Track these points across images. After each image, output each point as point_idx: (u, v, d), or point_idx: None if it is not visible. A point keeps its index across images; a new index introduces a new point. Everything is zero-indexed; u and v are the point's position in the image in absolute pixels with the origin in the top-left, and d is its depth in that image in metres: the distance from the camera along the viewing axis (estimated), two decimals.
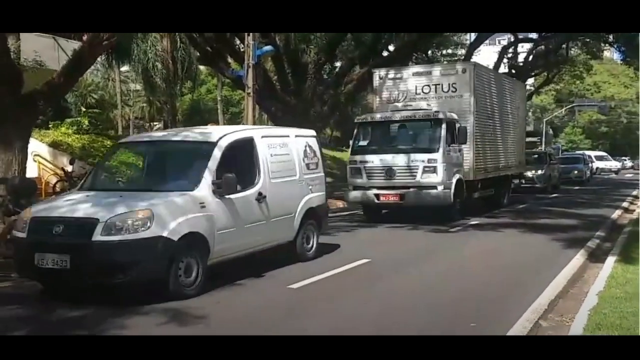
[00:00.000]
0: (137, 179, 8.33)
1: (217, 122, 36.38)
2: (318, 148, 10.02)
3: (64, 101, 24.42)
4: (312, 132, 10.27)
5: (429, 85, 15.45)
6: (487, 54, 37.82)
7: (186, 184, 7.61)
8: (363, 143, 14.72)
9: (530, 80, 42.79)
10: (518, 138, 19.91)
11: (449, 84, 15.28)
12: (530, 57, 37.53)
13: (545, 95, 59.55)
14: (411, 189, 13.83)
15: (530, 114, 52.15)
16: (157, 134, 8.85)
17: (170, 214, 7.10)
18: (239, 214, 7.97)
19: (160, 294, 6.94)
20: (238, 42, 21.29)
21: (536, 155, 25.77)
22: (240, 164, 8.26)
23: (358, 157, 14.44)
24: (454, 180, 14.15)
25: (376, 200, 14.20)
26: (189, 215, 7.26)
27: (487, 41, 34.65)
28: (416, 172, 13.76)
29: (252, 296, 7.39)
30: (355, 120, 15.37)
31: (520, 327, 5.80)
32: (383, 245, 11.34)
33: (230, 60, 22.26)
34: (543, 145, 42.32)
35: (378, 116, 15.23)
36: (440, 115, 14.31)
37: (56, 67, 13.54)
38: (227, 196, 7.76)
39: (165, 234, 6.90)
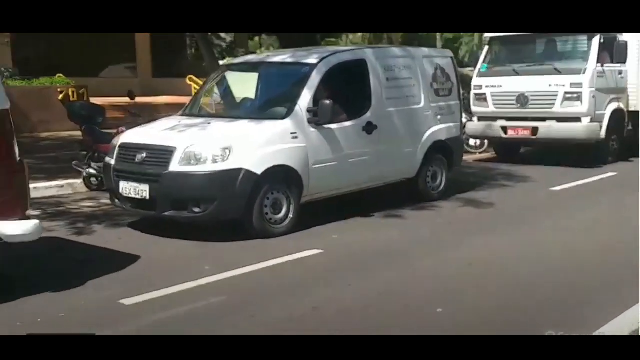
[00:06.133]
0: (230, 104, 7.15)
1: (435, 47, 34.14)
2: (454, 71, 7.84)
3: None
4: (447, 52, 8.10)
5: None
6: None
7: (277, 112, 6.21)
8: (493, 64, 10.80)
9: None
10: None
11: None
12: None
13: None
14: (547, 121, 9.95)
15: None
16: (259, 56, 7.52)
17: (254, 144, 5.82)
18: (341, 147, 6.40)
19: (244, 232, 5.88)
20: None
21: None
22: (347, 89, 6.62)
23: (484, 81, 10.53)
24: (607, 112, 10.04)
25: (503, 134, 10.39)
26: (276, 147, 5.91)
27: None
28: (554, 100, 9.82)
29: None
30: (485, 35, 11.49)
31: None
32: None
33: None
34: None
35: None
36: None
37: None
38: (325, 126, 6.27)
39: (246, 166, 5.67)
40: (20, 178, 4.38)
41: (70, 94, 13.72)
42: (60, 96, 13.56)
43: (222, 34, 22.82)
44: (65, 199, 7.81)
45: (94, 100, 12.68)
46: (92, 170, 8.09)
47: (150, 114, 9.24)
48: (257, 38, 26.30)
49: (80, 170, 8.16)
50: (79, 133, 10.86)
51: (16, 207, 4.32)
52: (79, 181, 8.31)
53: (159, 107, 14.50)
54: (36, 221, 4.41)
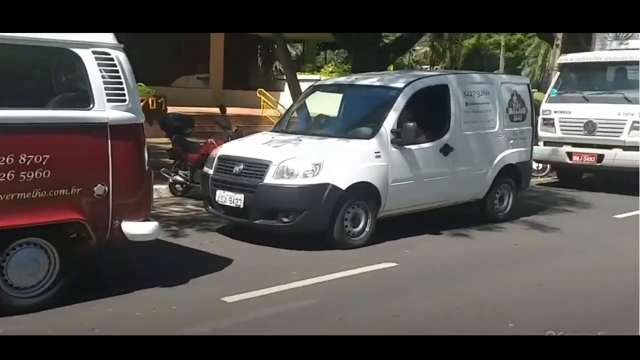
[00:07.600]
0: (317, 123, 7.70)
1: (497, 67, 34.62)
2: (529, 97, 8.24)
3: None
4: (523, 79, 8.51)
5: None
6: None
7: (364, 132, 6.72)
8: (563, 90, 11.04)
9: None
10: None
11: None
12: None
13: None
14: (613, 149, 10.13)
15: None
16: (348, 78, 8.06)
17: (341, 162, 6.35)
18: (418, 167, 6.85)
19: (324, 242, 6.39)
20: None
21: None
22: (428, 112, 7.05)
23: (553, 106, 10.82)
24: None
25: (568, 160, 10.66)
26: (361, 164, 6.42)
27: None
28: (622, 128, 10.03)
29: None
30: (558, 61, 11.85)
31: None
32: None
33: None
34: None
35: (586, 57, 11.27)
36: None
37: None
38: (406, 146, 6.73)
39: (333, 181, 6.19)
40: (147, 184, 4.99)
41: (150, 102, 14.65)
42: (140, 104, 14.49)
43: (290, 49, 23.64)
44: (153, 203, 8.51)
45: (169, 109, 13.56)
46: (178, 177, 8.79)
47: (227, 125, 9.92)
48: (322, 53, 27.05)
49: (167, 176, 8.85)
50: (157, 140, 11.68)
51: (142, 210, 4.91)
52: (164, 187, 9.02)
53: (229, 118, 15.28)
54: (156, 223, 5.00)
